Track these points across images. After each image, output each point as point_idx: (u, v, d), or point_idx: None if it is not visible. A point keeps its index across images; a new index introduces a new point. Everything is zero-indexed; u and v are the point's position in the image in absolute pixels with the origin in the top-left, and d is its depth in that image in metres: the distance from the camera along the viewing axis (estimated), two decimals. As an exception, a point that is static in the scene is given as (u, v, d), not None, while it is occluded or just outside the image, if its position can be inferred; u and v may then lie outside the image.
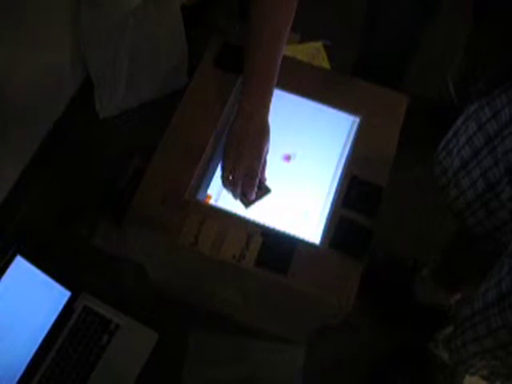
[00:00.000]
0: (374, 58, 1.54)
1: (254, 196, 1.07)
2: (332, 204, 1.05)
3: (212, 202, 1.16)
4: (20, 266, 1.31)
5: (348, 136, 1.15)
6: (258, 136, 1.03)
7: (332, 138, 1.17)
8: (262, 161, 1.05)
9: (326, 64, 1.86)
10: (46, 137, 1.59)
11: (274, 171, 1.14)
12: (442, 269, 1.39)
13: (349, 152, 1.10)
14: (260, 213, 1.10)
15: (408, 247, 1.55)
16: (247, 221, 1.02)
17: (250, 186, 1.05)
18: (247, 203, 1.09)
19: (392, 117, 1.12)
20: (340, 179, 1.07)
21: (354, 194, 1.04)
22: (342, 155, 1.15)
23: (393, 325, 1.47)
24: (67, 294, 1.39)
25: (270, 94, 1.04)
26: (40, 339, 1.34)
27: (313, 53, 1.87)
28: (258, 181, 1.05)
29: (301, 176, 1.18)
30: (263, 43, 1.03)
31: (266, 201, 1.11)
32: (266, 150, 1.05)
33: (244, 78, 1.05)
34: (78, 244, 1.51)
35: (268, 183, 1.11)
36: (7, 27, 1.25)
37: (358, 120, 1.12)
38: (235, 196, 1.07)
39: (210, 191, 1.15)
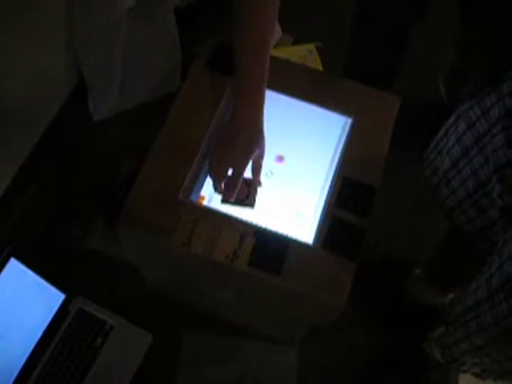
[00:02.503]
0: (363, 59, 1.55)
1: (233, 197, 1.06)
2: (325, 204, 1.05)
3: (205, 202, 1.16)
4: (14, 268, 1.31)
5: (340, 136, 1.16)
6: (249, 138, 1.03)
7: (324, 138, 1.18)
8: (248, 163, 1.04)
9: (318, 65, 1.87)
10: (39, 139, 1.59)
11: (267, 172, 1.14)
12: (434, 268, 1.39)
13: (341, 152, 1.10)
14: (253, 213, 1.10)
15: (401, 247, 1.55)
16: (240, 221, 1.02)
17: (232, 185, 1.04)
18: (224, 200, 1.08)
19: (384, 117, 1.13)
20: (333, 179, 1.07)
21: (347, 194, 1.04)
22: (334, 155, 1.16)
23: (386, 324, 1.48)
24: (61, 296, 1.39)
25: (263, 95, 1.04)
26: (34, 341, 1.34)
27: (305, 54, 1.88)
28: (240, 182, 1.04)
29: (294, 176, 1.18)
30: (250, 44, 1.02)
31: (259, 201, 1.12)
32: (258, 153, 1.05)
33: (235, 80, 1.05)
34: (72, 246, 1.51)
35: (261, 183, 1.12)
36: (1, 28, 1.25)
37: (350, 121, 1.13)
38: (215, 188, 1.07)
39: (203, 192, 1.15)
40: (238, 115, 1.03)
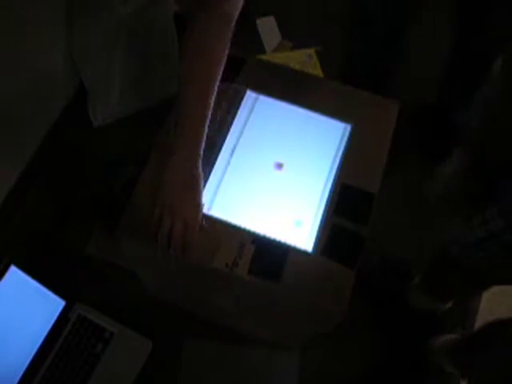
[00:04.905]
0: (361, 59, 1.55)
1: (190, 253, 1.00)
2: (324, 211, 1.05)
3: (204, 210, 1.16)
4: (14, 275, 1.31)
5: (340, 143, 1.16)
6: (195, 185, 1.01)
7: (324, 145, 1.18)
8: (202, 210, 1.02)
9: (318, 71, 1.87)
10: (40, 144, 1.59)
11: (266, 179, 1.14)
12: (428, 280, 1.39)
13: (340, 159, 1.10)
14: (252, 221, 1.10)
15: (400, 254, 1.55)
16: (240, 229, 1.02)
17: (190, 236, 1.00)
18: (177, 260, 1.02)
19: (383, 123, 1.13)
20: (332, 186, 1.07)
21: (346, 202, 1.04)
22: (333, 162, 1.16)
23: (387, 330, 1.48)
24: (62, 303, 1.39)
25: (202, 139, 1.01)
26: (35, 348, 1.34)
27: (305, 59, 1.88)
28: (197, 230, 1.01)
29: (293, 184, 1.18)
30: (196, 89, 1.02)
31: (258, 209, 1.11)
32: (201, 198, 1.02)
33: (176, 121, 1.03)
34: (72, 253, 1.51)
35: (260, 191, 1.11)
36: (3, 32, 1.26)
37: (349, 127, 1.13)
38: (165, 251, 1.01)
39: (202, 200, 1.15)
40: (179, 163, 1.01)
